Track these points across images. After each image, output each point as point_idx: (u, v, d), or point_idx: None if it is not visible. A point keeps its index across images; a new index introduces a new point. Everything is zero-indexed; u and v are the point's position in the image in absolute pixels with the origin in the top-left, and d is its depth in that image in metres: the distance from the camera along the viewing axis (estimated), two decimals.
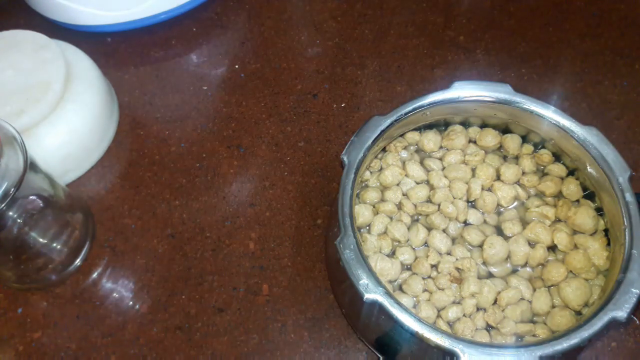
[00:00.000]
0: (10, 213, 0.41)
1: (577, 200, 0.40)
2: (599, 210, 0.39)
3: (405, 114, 0.40)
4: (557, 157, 0.42)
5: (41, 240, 0.44)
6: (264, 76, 0.56)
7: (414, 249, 0.39)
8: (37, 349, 0.42)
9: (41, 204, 0.43)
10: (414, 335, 0.32)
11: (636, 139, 0.51)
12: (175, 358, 0.42)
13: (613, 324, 0.32)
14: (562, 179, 0.41)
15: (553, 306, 0.37)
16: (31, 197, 0.42)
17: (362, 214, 0.40)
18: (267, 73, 0.56)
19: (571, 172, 0.41)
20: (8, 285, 0.44)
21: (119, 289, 0.45)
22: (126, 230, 0.47)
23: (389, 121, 0.39)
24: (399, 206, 0.41)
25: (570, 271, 0.38)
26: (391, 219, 0.40)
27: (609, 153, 0.38)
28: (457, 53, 0.58)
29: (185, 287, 0.45)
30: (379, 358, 0.40)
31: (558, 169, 0.41)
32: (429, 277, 0.38)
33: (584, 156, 0.39)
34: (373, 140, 0.39)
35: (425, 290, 0.38)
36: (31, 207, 0.42)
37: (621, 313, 0.32)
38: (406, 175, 0.42)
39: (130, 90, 0.55)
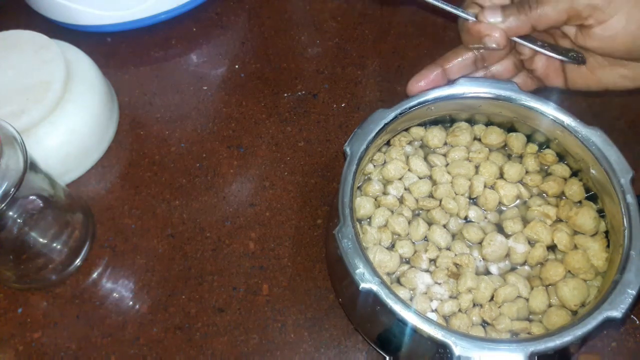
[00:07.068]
0: (10, 213, 0.41)
1: (580, 202, 0.40)
2: (601, 212, 0.39)
3: (410, 107, 0.40)
4: (561, 157, 0.42)
5: (41, 240, 0.44)
6: (264, 76, 0.56)
7: (413, 242, 0.39)
8: (37, 349, 0.42)
9: (41, 204, 0.43)
10: (407, 326, 0.32)
11: (636, 139, 0.51)
12: (175, 358, 0.42)
13: (608, 323, 0.32)
14: (566, 179, 0.41)
15: (550, 305, 0.37)
16: (31, 197, 0.42)
17: (364, 206, 0.40)
18: (267, 73, 0.56)
19: (575, 173, 0.41)
20: (8, 285, 0.44)
21: (119, 289, 0.45)
22: (126, 230, 0.47)
23: (393, 114, 0.39)
24: (401, 200, 0.41)
25: (569, 271, 0.38)
26: (392, 212, 0.40)
27: (612, 154, 0.37)
28: None
29: (185, 287, 0.45)
30: (384, 358, 0.40)
31: (562, 169, 0.41)
32: (427, 271, 0.38)
33: (587, 157, 0.39)
34: (376, 133, 0.39)
35: (422, 284, 0.38)
36: (31, 207, 0.42)
37: (616, 313, 0.32)
38: (409, 170, 0.42)
39: (131, 90, 0.55)
